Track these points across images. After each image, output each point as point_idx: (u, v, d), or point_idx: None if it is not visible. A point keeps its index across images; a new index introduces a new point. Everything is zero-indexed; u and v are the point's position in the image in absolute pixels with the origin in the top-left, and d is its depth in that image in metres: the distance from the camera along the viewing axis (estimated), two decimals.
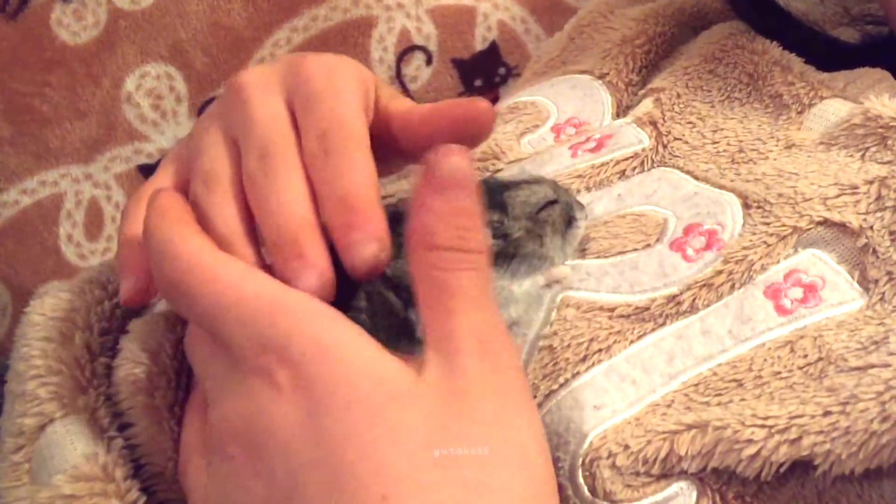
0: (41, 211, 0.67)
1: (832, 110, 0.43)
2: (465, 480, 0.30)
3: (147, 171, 0.68)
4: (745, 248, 0.38)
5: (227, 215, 0.36)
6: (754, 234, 0.38)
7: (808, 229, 0.38)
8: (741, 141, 0.44)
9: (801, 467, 0.32)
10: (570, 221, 0.39)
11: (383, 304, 0.36)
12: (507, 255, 0.37)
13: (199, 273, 0.33)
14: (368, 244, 0.34)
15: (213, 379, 0.34)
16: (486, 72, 0.68)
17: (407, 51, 0.68)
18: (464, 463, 0.30)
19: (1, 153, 0.68)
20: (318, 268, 0.34)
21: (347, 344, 0.32)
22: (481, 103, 0.39)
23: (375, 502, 0.29)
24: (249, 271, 0.34)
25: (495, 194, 0.38)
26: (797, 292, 0.37)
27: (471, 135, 0.38)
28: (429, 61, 0.68)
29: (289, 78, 0.39)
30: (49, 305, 0.41)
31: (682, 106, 0.47)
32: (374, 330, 0.33)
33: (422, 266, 0.33)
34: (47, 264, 0.67)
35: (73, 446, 0.37)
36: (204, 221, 0.36)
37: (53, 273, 0.66)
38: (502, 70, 0.68)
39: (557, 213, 0.39)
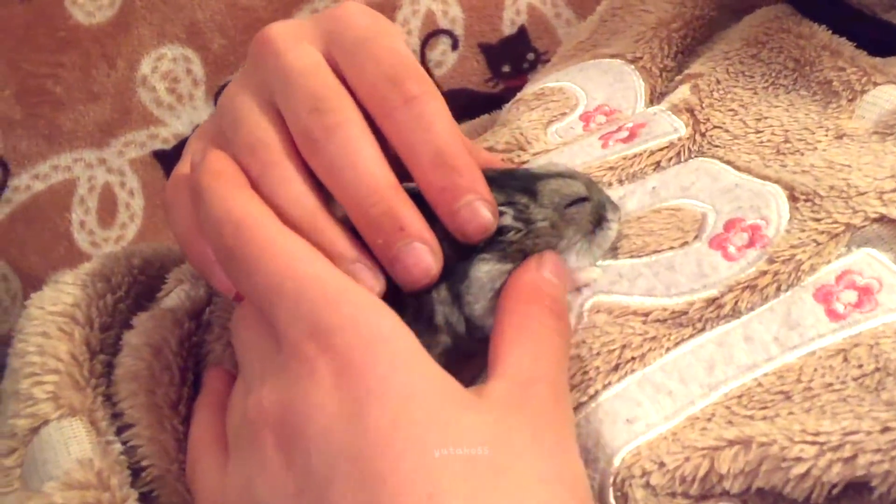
0: (53, 196, 0.65)
1: (886, 97, 0.40)
2: (519, 495, 0.28)
3: (162, 156, 0.66)
4: (792, 246, 0.34)
5: (297, 192, 0.33)
6: (803, 230, 0.35)
7: (863, 226, 0.34)
8: (787, 130, 0.40)
9: (856, 489, 0.29)
10: (600, 221, 0.36)
11: None
12: (523, 249, 0.35)
13: (260, 245, 0.31)
14: (481, 206, 0.32)
15: (254, 362, 0.32)
16: (515, 57, 0.65)
17: (432, 35, 0.65)
18: (520, 477, 0.28)
19: (12, 136, 0.65)
20: (425, 239, 0.32)
21: (407, 342, 0.30)
22: None
23: (420, 499, 0.27)
24: (311, 251, 0.31)
25: (527, 181, 0.36)
26: (851, 296, 0.33)
27: None
28: (455, 46, 0.65)
29: (324, 25, 0.35)
30: (49, 299, 0.38)
31: (721, 92, 0.43)
32: None
33: (520, 315, 0.32)
34: (59, 251, 0.65)
35: (68, 450, 0.34)
36: (268, 199, 0.33)
37: (65, 261, 0.64)
38: (531, 56, 0.65)
39: (587, 211, 0.36)
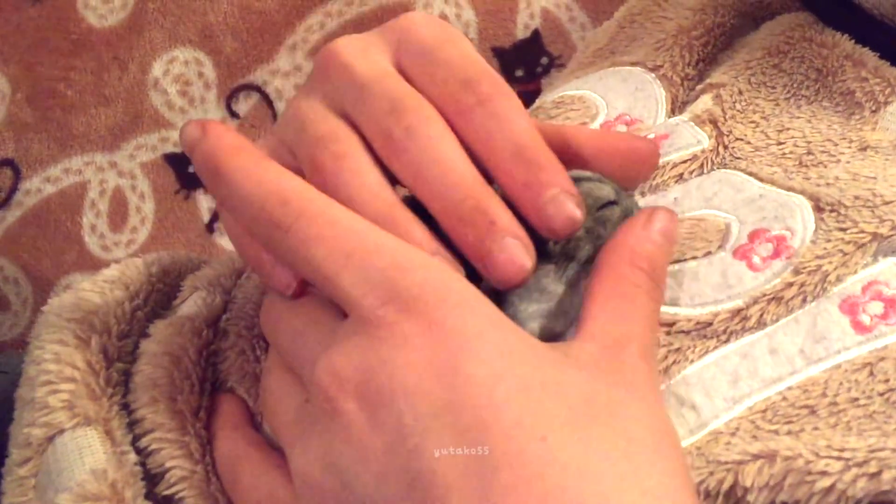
0: (64, 200, 0.65)
1: None
2: (630, 439, 0.28)
3: (173, 160, 0.66)
4: (818, 256, 0.34)
5: (373, 183, 0.32)
6: (829, 241, 0.35)
7: (890, 236, 0.34)
8: (809, 142, 0.40)
9: None
10: None
11: None
12: (567, 256, 0.34)
13: (313, 217, 0.30)
14: (566, 200, 0.32)
15: (309, 341, 0.31)
16: (528, 62, 0.65)
17: None
18: (629, 424, 0.28)
19: (24, 139, 0.65)
20: (518, 235, 0.32)
21: (489, 306, 0.30)
22: (651, 148, 0.38)
23: (532, 441, 0.26)
24: (364, 220, 0.31)
25: None
26: (877, 307, 0.33)
27: (631, 175, 0.38)
28: None
29: (390, 36, 0.35)
30: (66, 305, 0.38)
31: (744, 104, 0.43)
32: None
33: (614, 275, 0.32)
34: (70, 255, 0.65)
35: (82, 461, 0.34)
36: (340, 190, 0.32)
37: (76, 264, 0.64)
38: (545, 60, 0.65)
39: (617, 215, 0.36)
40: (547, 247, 0.34)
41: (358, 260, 0.30)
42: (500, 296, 0.33)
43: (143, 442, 0.35)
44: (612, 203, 0.36)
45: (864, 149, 0.39)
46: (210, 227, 0.65)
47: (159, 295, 0.41)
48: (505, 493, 0.26)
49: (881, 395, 0.31)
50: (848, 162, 0.39)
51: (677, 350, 0.34)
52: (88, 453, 0.34)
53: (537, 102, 0.50)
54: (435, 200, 0.32)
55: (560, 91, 0.49)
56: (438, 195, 0.32)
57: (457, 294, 0.29)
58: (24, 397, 0.37)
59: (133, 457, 0.35)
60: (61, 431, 0.35)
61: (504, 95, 0.33)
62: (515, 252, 0.31)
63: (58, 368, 0.36)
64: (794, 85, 0.43)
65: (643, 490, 0.27)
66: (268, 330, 0.34)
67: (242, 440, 0.34)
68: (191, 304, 0.40)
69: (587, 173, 0.36)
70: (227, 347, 0.38)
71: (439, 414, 0.27)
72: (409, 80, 0.34)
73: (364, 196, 0.32)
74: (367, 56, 0.34)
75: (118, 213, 0.65)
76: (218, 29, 0.65)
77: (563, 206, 0.32)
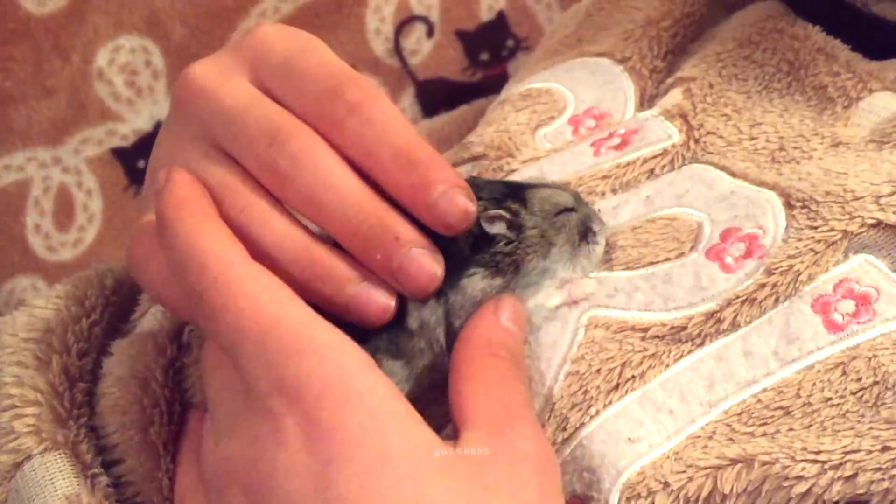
0: (6, 198, 0.65)
1: (882, 104, 0.42)
2: None
3: (121, 154, 0.66)
4: (790, 256, 0.36)
5: (282, 227, 0.34)
6: (800, 239, 0.37)
7: (860, 233, 0.36)
8: (782, 137, 0.42)
9: None
10: (585, 234, 0.38)
11: None
12: (515, 261, 0.36)
13: (223, 286, 0.31)
14: (457, 194, 0.33)
15: (223, 408, 0.32)
16: (493, 44, 0.66)
17: (406, 21, 0.66)
18: None
19: None
20: (424, 244, 0.33)
21: (380, 396, 0.30)
22: None
23: None
24: (279, 291, 0.32)
25: (516, 189, 0.38)
26: (848, 305, 0.35)
27: None
28: (430, 33, 0.66)
29: (244, 54, 0.36)
30: (21, 324, 0.39)
31: (715, 97, 0.45)
32: None
33: (478, 365, 0.33)
34: (13, 257, 0.65)
35: (54, 486, 0.35)
36: (254, 244, 0.33)
37: (20, 267, 0.64)
38: (510, 42, 0.66)
39: (574, 221, 0.38)
40: (496, 256, 0.36)
41: (255, 336, 0.30)
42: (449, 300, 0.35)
43: (115, 470, 0.36)
44: (569, 210, 0.38)
45: (837, 145, 0.41)
46: None
47: (115, 308, 0.42)
48: None
49: (854, 394, 0.33)
50: (820, 158, 0.41)
51: (653, 355, 0.36)
52: (60, 478, 0.35)
53: (503, 95, 0.51)
54: (336, 226, 0.33)
55: (527, 83, 0.50)
56: (339, 221, 0.33)
57: (342, 387, 0.30)
58: None
59: (105, 479, 0.36)
60: (29, 457, 0.36)
61: (375, 98, 0.34)
62: (424, 261, 0.33)
63: (20, 392, 0.37)
64: (766, 77, 0.45)
65: None
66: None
67: (198, 477, 0.35)
68: (150, 318, 0.41)
69: (546, 181, 0.39)
70: (191, 363, 0.39)
71: None
72: (273, 98, 0.35)
73: (278, 243, 0.33)
74: (228, 81, 0.35)
75: (64, 211, 0.65)
76: (165, 14, 0.66)
77: (455, 200, 0.33)
